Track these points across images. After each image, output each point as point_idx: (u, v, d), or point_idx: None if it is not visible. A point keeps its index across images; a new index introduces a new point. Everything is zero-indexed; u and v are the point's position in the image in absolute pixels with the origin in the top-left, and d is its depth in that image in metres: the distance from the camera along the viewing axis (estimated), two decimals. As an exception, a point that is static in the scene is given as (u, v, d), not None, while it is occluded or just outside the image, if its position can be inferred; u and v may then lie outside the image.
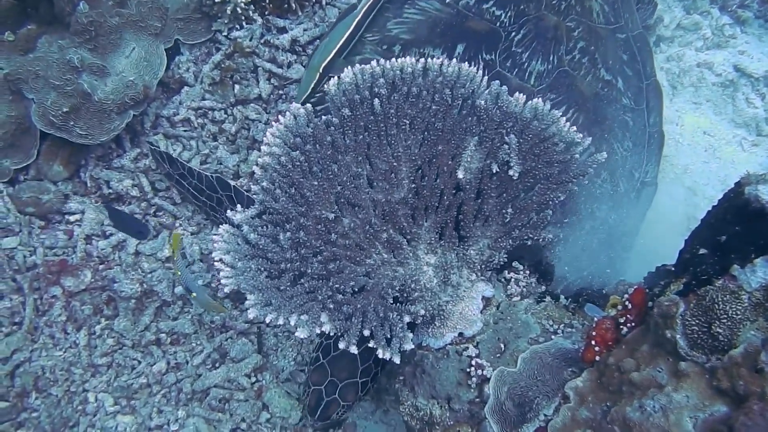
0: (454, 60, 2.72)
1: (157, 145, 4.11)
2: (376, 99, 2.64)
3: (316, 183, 2.58)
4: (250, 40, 4.19)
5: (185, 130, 4.22)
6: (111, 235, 4.00)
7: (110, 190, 4.04)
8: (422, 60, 2.71)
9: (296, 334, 2.35)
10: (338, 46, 3.35)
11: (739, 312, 1.87)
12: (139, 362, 3.91)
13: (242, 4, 4.08)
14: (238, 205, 2.58)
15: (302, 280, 2.47)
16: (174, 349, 3.96)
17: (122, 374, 3.85)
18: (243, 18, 4.19)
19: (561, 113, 2.95)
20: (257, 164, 2.59)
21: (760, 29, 4.56)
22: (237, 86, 4.21)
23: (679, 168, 4.10)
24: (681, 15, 4.55)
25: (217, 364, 3.89)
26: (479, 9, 3.44)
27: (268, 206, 2.56)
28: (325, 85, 2.67)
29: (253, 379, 3.85)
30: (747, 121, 4.19)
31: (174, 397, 3.83)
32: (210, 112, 4.24)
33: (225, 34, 4.24)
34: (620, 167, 3.43)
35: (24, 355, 3.81)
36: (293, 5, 4.27)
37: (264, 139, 2.59)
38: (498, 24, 3.40)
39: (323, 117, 2.67)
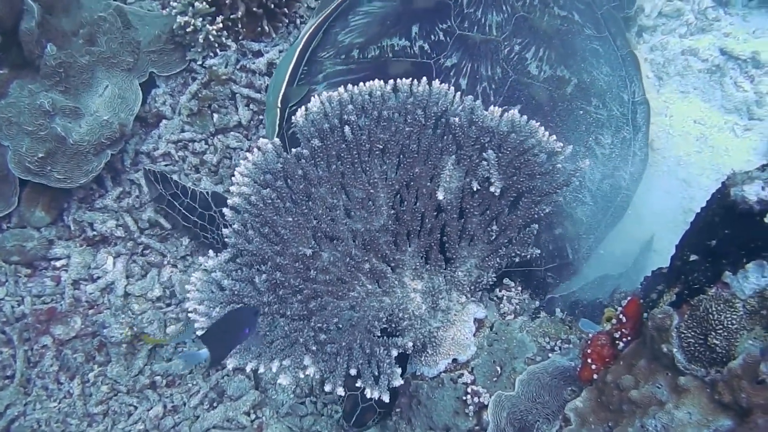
0: (424, 79, 2.65)
1: (155, 170, 4.00)
2: (347, 126, 2.57)
3: (290, 219, 2.51)
4: (226, 66, 4.12)
5: (166, 165, 4.15)
6: (98, 278, 3.93)
7: (94, 232, 3.97)
8: (390, 82, 2.64)
9: (279, 381, 2.27)
10: (287, 77, 3.40)
11: (734, 321, 1.79)
12: (136, 408, 3.83)
13: (214, 31, 4.00)
14: (210, 251, 2.50)
15: (282, 323, 2.39)
16: (170, 391, 3.88)
17: (119, 422, 3.77)
18: (216, 45, 4.11)
19: (534, 56, 3.25)
20: (227, 206, 2.52)
21: (743, 9, 4.45)
22: (216, 115, 4.14)
23: (671, 160, 4.01)
24: (662, 2, 4.44)
25: (215, 404, 3.81)
26: None
27: (242, 248, 2.48)
28: (293, 117, 2.60)
29: (253, 416, 3.76)
30: (737, 105, 4.08)
31: (172, 441, 3.78)
32: (190, 143, 4.16)
33: (200, 62, 4.17)
34: (607, 92, 3.48)
35: (18, 410, 3.74)
36: (266, 28, 4.19)
37: (232, 179, 2.51)
38: None
39: (293, 150, 2.59)
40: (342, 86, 2.69)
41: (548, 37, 3.44)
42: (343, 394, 2.37)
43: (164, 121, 4.17)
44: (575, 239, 3.21)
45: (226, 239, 2.52)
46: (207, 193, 3.77)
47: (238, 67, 4.18)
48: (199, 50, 4.11)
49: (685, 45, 4.32)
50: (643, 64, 4.26)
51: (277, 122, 3.37)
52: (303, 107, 2.60)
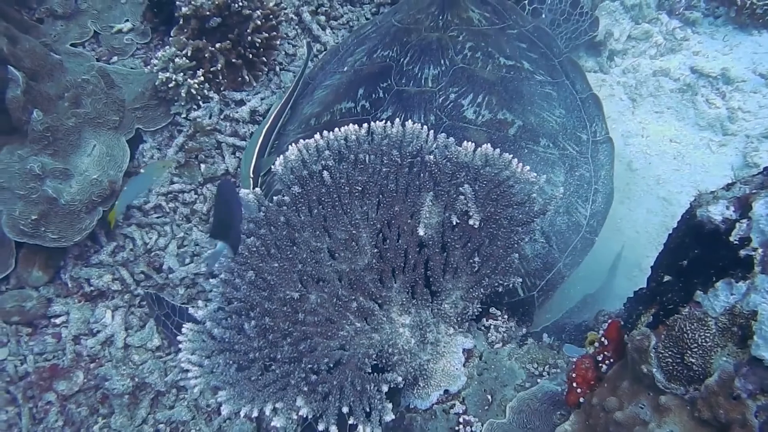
0: (398, 120, 2.73)
1: (150, 293, 4.11)
2: (325, 171, 2.65)
3: (276, 265, 2.58)
4: (210, 117, 4.22)
5: (158, 217, 4.24)
6: (98, 332, 3.99)
7: (91, 288, 4.04)
8: (365, 125, 2.72)
9: (273, 423, 2.33)
10: (256, 150, 3.70)
11: (708, 339, 1.84)
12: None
13: (195, 85, 4.11)
14: (200, 301, 2.57)
15: (273, 367, 2.45)
16: (174, 439, 3.95)
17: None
18: (199, 97, 4.22)
19: (472, 103, 3.44)
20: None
21: (710, 27, 4.56)
22: (203, 165, 4.24)
23: (651, 179, 4.09)
24: (630, 26, 4.56)
25: (222, 455, 3.87)
26: (371, 59, 3.92)
27: (230, 297, 2.55)
28: (272, 166, 2.68)
29: (261, 460, 3.82)
30: (711, 122, 4.17)
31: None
32: (180, 194, 4.26)
33: (184, 115, 4.28)
34: (560, 132, 3.57)
35: (26, 468, 3.79)
36: (247, 77, 4.31)
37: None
38: (388, 60, 3.81)
39: (274, 198, 2.67)
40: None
41: (490, 84, 3.59)
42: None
43: (153, 175, 4.26)
44: (525, 277, 3.28)
45: (214, 288, 2.59)
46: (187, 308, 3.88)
47: (221, 117, 4.29)
48: (183, 104, 4.22)
49: (656, 66, 4.43)
50: (616, 86, 4.36)
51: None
52: (281, 156, 2.68)
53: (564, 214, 3.40)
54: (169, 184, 4.23)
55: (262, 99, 4.34)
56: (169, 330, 3.96)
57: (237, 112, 4.26)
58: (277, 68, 4.47)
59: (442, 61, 3.63)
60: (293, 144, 2.69)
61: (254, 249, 2.57)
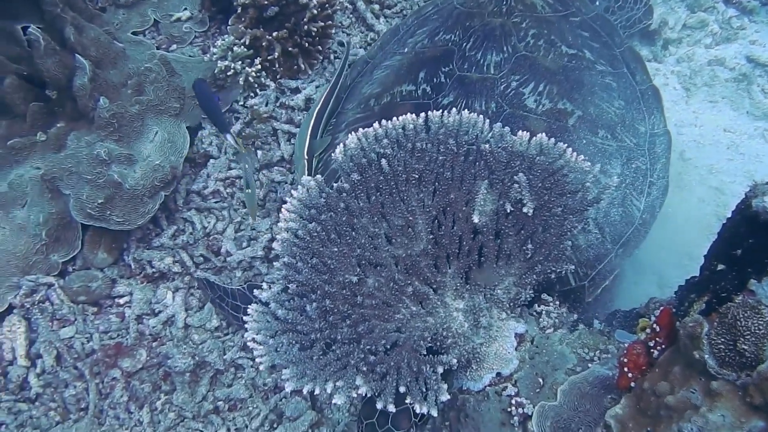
0: (454, 110, 2.80)
1: (201, 278, 4.24)
2: (383, 159, 2.73)
3: (336, 249, 2.67)
4: (266, 105, 4.33)
5: (216, 202, 4.37)
6: (160, 312, 4.15)
7: (153, 269, 4.19)
8: (423, 115, 2.79)
9: (333, 400, 2.43)
10: (309, 131, 3.78)
11: (761, 327, 1.87)
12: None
13: (253, 73, 4.22)
14: (264, 283, 2.68)
15: (334, 347, 2.55)
16: (232, 415, 4.07)
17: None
18: (256, 85, 4.33)
19: (533, 91, 3.47)
20: (276, 240, 2.70)
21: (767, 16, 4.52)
22: (260, 152, 4.35)
23: (703, 169, 4.08)
24: (685, 15, 4.53)
25: (274, 425, 3.98)
26: (432, 42, 3.92)
27: (292, 280, 2.65)
28: (332, 154, 2.77)
29: (313, 432, 3.95)
30: (766, 112, 4.14)
31: (240, 461, 3.96)
32: (237, 180, 4.38)
33: (241, 103, 4.39)
34: (619, 124, 3.59)
35: (93, 440, 3.97)
36: (302, 66, 4.40)
37: (280, 215, 2.69)
38: (450, 44, 3.81)
39: (335, 184, 2.76)
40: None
41: (552, 73, 3.60)
42: (393, 410, 2.50)
43: (212, 161, 4.40)
44: (578, 266, 3.31)
45: (277, 271, 2.69)
46: (243, 288, 4.01)
47: (277, 104, 4.39)
48: (241, 91, 4.33)
49: (711, 55, 4.40)
50: (670, 76, 4.35)
51: (305, 172, 3.72)
52: (341, 144, 2.77)
53: (619, 206, 3.42)
54: (227, 170, 4.35)
55: (317, 87, 4.43)
56: (225, 311, 4.09)
57: (293, 100, 4.36)
58: (332, 56, 4.56)
59: (505, 48, 3.65)
60: (353, 132, 2.77)
61: (315, 234, 2.66)
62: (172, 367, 3.89)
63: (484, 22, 3.81)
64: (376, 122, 2.78)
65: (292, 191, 2.74)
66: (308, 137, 3.76)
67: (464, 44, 3.74)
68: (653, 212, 3.49)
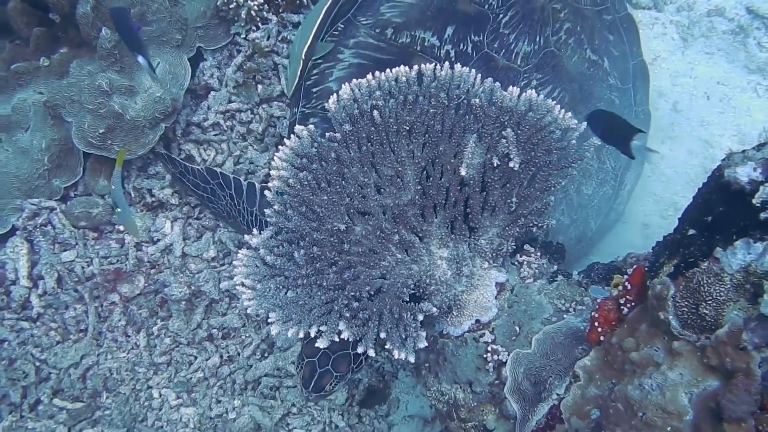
0: (447, 63, 2.85)
1: (163, 153, 4.28)
2: (375, 111, 2.79)
3: (325, 198, 2.77)
4: (268, 39, 4.33)
5: (215, 134, 4.42)
6: (158, 240, 4.28)
7: (153, 198, 4.30)
8: (415, 67, 2.84)
9: (317, 344, 2.57)
10: (313, 30, 3.54)
11: (722, 293, 1.98)
12: (195, 358, 4.22)
13: (255, 6, 4.21)
14: (255, 229, 2.78)
15: (319, 293, 2.68)
16: (225, 343, 4.27)
17: (181, 370, 4.16)
18: (258, 19, 4.32)
19: (547, 96, 3.28)
20: (268, 188, 2.79)
21: (773, -35, 4.47)
22: (260, 86, 4.37)
23: (694, 121, 4.13)
24: (689, -38, 4.51)
25: (265, 354, 4.17)
26: None
27: (282, 227, 2.76)
28: (325, 104, 2.82)
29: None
30: (760, 66, 4.16)
31: (229, 388, 4.14)
32: (237, 113, 4.42)
33: (243, 36, 4.38)
34: (604, 147, 3.56)
35: (92, 359, 4.15)
36: (305, 0, 4.39)
37: (272, 163, 2.77)
38: (486, 6, 3.56)
39: (327, 134, 2.83)
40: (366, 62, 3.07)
41: (570, 79, 3.55)
42: (373, 355, 2.65)
43: (212, 93, 4.41)
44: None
45: (267, 218, 2.80)
46: (201, 169, 4.02)
47: (279, 39, 4.37)
48: (242, 24, 4.32)
49: (711, 5, 4.38)
50: (669, 25, 4.35)
51: (298, 73, 3.57)
52: (334, 95, 2.82)
53: (580, 225, 3.49)
54: (228, 103, 4.40)
55: (318, 22, 4.43)
56: (185, 186, 4.18)
57: (294, 35, 4.36)
58: (335, -8, 4.53)
59: (538, 38, 3.56)
60: (346, 84, 2.82)
61: (306, 183, 2.76)
62: (169, 295, 4.03)
63: None
64: (369, 74, 2.83)
65: (285, 140, 2.81)
66: (311, 37, 3.56)
67: (501, 16, 3.56)
68: (602, 234, 3.58)
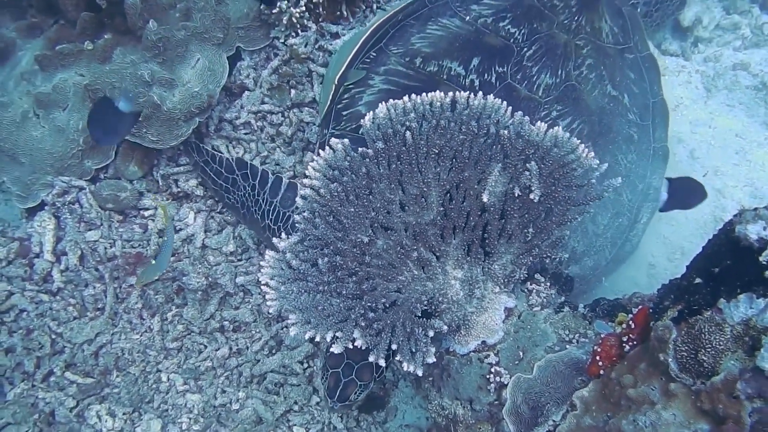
0: (480, 93, 2.97)
1: (191, 142, 4.40)
2: (408, 132, 2.92)
3: (352, 210, 2.89)
4: (305, 46, 4.46)
5: (246, 133, 4.56)
6: (181, 230, 4.41)
7: (179, 189, 4.43)
8: (450, 94, 2.97)
9: (331, 349, 2.70)
10: (348, 58, 3.75)
11: (722, 343, 2.08)
12: (205, 347, 4.34)
13: (297, 14, 4.35)
14: (283, 233, 2.91)
15: (338, 300, 2.80)
16: (236, 336, 4.39)
17: (191, 357, 4.28)
18: (298, 26, 4.45)
19: (566, 127, 3.49)
20: (300, 196, 2.92)
21: (800, 27, 4.58)
22: (293, 90, 4.51)
23: (709, 169, 4.24)
24: (720, 15, 4.61)
25: (273, 351, 4.29)
26: (496, 26, 3.81)
27: (309, 233, 2.88)
28: (362, 121, 2.95)
29: (306, 365, 4.23)
30: (779, 124, 4.29)
31: (235, 379, 4.26)
32: (269, 115, 4.56)
33: (282, 40, 4.52)
34: (624, 177, 3.67)
35: (106, 338, 4.27)
36: (345, 12, 4.52)
37: (306, 172, 2.90)
38: (512, 40, 3.75)
39: (359, 149, 2.96)
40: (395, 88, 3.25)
41: (589, 112, 3.68)
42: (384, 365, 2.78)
43: (246, 93, 4.56)
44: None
45: (297, 224, 2.92)
46: (230, 159, 4.20)
47: (316, 46, 4.52)
48: (283, 29, 4.46)
49: (738, 59, 4.49)
50: (694, 74, 4.47)
51: (331, 97, 3.75)
52: (371, 112, 2.95)
53: (594, 253, 3.62)
54: (260, 104, 4.53)
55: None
56: (206, 174, 4.30)
57: (331, 44, 4.48)
58: (374, 6, 4.65)
59: (560, 72, 3.69)
60: (383, 103, 2.95)
61: (335, 194, 2.88)
62: (186, 284, 4.15)
63: (551, 32, 3.78)
64: (406, 96, 2.96)
65: (320, 151, 2.94)
66: (346, 64, 3.76)
67: (525, 49, 3.72)
68: (618, 264, 3.69)
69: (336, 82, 3.77)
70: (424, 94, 2.97)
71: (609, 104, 3.75)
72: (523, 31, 3.78)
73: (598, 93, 3.75)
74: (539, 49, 3.73)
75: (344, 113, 3.80)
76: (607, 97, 3.76)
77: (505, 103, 2.99)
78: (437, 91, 2.98)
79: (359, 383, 3.06)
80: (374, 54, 3.87)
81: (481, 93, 2.99)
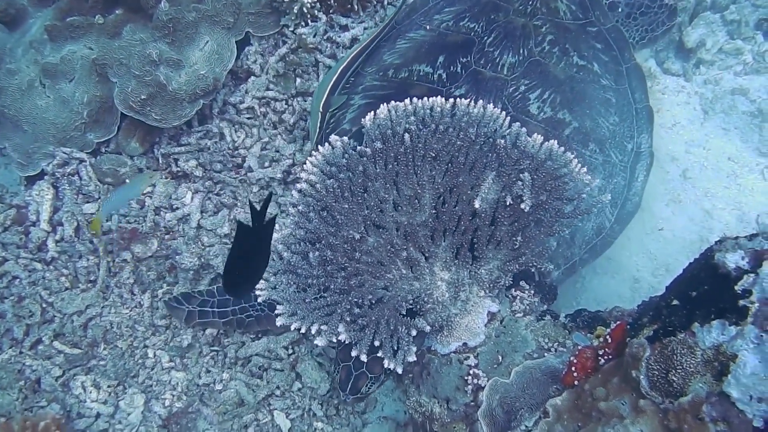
0: (481, 102, 3.04)
1: (169, 298, 4.28)
2: (407, 134, 2.99)
3: (346, 206, 2.96)
4: (314, 36, 4.51)
5: (248, 118, 4.61)
6: (177, 209, 4.46)
7: (178, 169, 4.48)
8: (451, 100, 3.04)
9: (315, 341, 2.77)
10: (329, 87, 3.88)
11: (692, 365, 2.15)
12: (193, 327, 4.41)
13: (308, 4, 4.40)
14: (276, 225, 2.97)
15: (326, 294, 2.88)
16: (225, 318, 4.45)
17: (178, 335, 4.34)
18: (309, 16, 4.50)
19: (538, 98, 3.64)
20: (296, 190, 2.98)
21: (803, 57, 4.63)
22: (299, 79, 4.56)
23: (700, 190, 4.31)
24: (724, 40, 4.66)
25: (260, 335, 4.34)
26: (457, 26, 4.03)
27: (302, 227, 2.95)
28: (362, 120, 3.01)
29: (290, 351, 4.29)
30: (771, 151, 4.36)
31: (220, 360, 4.30)
32: (272, 102, 4.61)
33: (291, 29, 4.56)
34: (609, 139, 3.79)
35: (96, 311, 4.32)
36: (356, 6, 4.56)
37: (304, 167, 2.97)
38: (472, 34, 3.93)
39: (358, 148, 3.03)
40: (372, 100, 3.39)
41: (559, 82, 3.77)
42: (365, 359, 2.86)
43: (252, 78, 4.61)
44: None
45: (291, 216, 2.99)
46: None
47: (325, 37, 4.57)
48: (293, 18, 4.51)
49: (738, 83, 4.54)
50: (693, 96, 4.53)
51: (319, 124, 3.89)
52: (372, 112, 3.01)
53: (594, 217, 3.67)
54: (265, 90, 4.58)
55: (365, 29, 4.59)
56: (208, 317, 4.15)
57: (340, 36, 4.53)
58: (385, 1, 4.70)
59: (522, 51, 3.81)
60: (384, 104, 3.02)
61: (331, 189, 2.95)
62: (179, 263, 4.21)
63: (508, 19, 3.94)
64: (407, 99, 3.02)
65: (319, 147, 3.00)
66: (327, 92, 3.89)
67: (485, 38, 3.87)
68: (623, 226, 3.75)
69: (321, 110, 3.90)
70: (425, 98, 3.04)
71: (578, 73, 3.87)
72: (482, 24, 3.97)
73: (565, 64, 3.86)
74: (498, 34, 3.88)
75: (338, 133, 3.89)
76: (575, 67, 3.87)
77: (504, 113, 3.06)
78: (438, 97, 3.05)
79: (370, 376, 3.12)
80: (353, 78, 4.07)
81: (481, 101, 3.05)
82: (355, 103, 3.91)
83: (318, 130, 3.89)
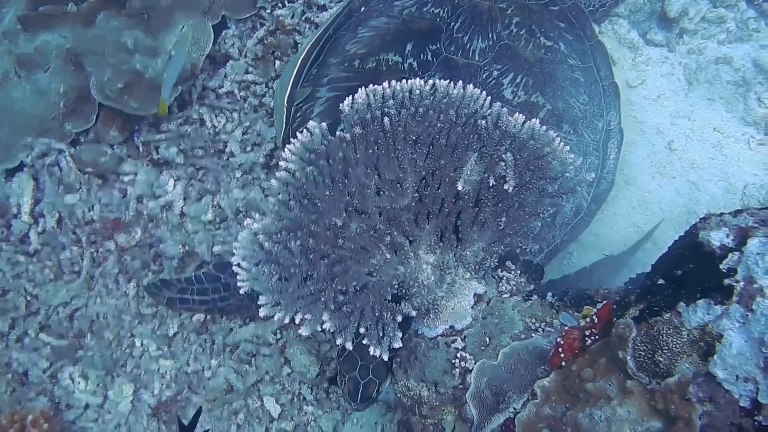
0: (460, 82, 2.99)
1: (149, 284, 4.25)
2: (386, 118, 2.94)
3: (327, 193, 2.91)
4: (292, 17, 4.45)
5: (228, 102, 4.55)
6: (159, 197, 4.41)
7: (159, 156, 4.43)
8: (431, 81, 2.99)
9: (299, 331, 2.74)
10: (291, 80, 3.83)
11: (678, 346, 2.15)
12: (180, 314, 4.38)
13: (286, -16, 4.34)
14: (257, 214, 2.94)
15: (308, 283, 2.84)
16: (210, 304, 4.43)
17: (164, 323, 4.32)
18: (285, -3, 4.44)
19: (511, 82, 3.64)
20: (275, 178, 2.93)
21: (786, 23, 4.60)
22: (278, 62, 4.50)
23: (686, 162, 4.29)
24: (707, 8, 4.61)
25: (247, 321, 4.33)
26: (421, 12, 3.96)
27: (283, 216, 2.91)
28: (341, 105, 2.96)
29: (279, 336, 4.28)
30: (756, 120, 4.31)
31: (208, 347, 4.30)
32: (252, 85, 4.55)
33: (268, 10, 4.50)
34: (581, 119, 3.81)
35: (81, 301, 4.32)
36: (332, -15, 4.50)
37: (282, 155, 2.92)
38: (438, 20, 3.87)
39: (337, 133, 2.98)
40: (341, 92, 3.34)
41: (529, 65, 3.75)
42: (350, 347, 2.84)
43: (231, 62, 4.55)
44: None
45: (271, 206, 2.95)
46: (209, 268, 4.08)
47: (303, 18, 4.50)
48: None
49: (721, 52, 4.51)
50: (677, 66, 4.50)
51: (284, 120, 3.84)
52: (350, 97, 2.96)
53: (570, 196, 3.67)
54: (244, 74, 4.52)
55: (344, 7, 4.52)
56: (187, 302, 4.09)
57: (318, 17, 4.47)
58: (363, -21, 4.63)
59: (490, 35, 3.77)
60: (362, 88, 2.96)
61: (311, 177, 2.91)
62: (163, 251, 4.19)
63: (473, 3, 3.89)
64: (386, 82, 2.97)
65: (298, 134, 2.95)
66: (290, 86, 3.83)
67: (452, 24, 3.83)
68: (599, 204, 3.75)
69: (286, 105, 3.85)
70: (404, 81, 2.99)
71: (546, 54, 3.86)
72: (446, 9, 3.90)
73: (533, 46, 3.85)
74: (465, 19, 3.84)
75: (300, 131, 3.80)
76: (543, 48, 3.86)
77: (484, 93, 3.01)
78: (417, 79, 3.00)
79: (378, 381, 3.17)
80: (315, 70, 4.00)
81: (461, 82, 3.00)
82: (322, 96, 3.88)
83: (285, 125, 3.84)
